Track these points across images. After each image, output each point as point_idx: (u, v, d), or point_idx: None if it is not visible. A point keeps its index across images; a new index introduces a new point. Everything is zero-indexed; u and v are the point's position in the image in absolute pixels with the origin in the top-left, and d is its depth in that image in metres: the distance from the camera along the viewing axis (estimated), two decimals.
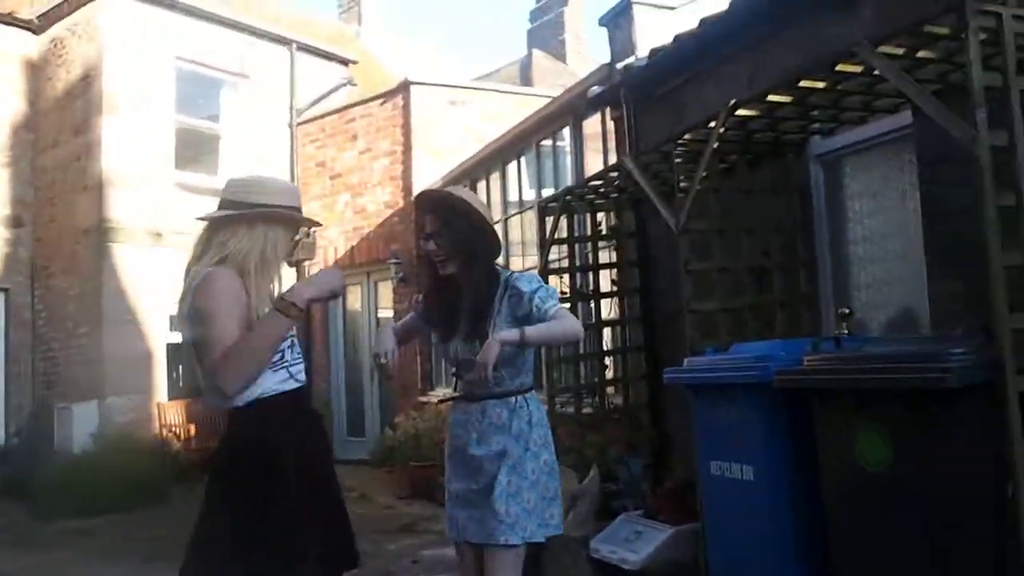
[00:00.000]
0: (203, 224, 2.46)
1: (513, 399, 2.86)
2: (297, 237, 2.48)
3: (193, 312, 2.29)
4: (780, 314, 4.34)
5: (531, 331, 2.72)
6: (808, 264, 4.46)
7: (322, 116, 11.85)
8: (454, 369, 2.96)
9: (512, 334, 2.70)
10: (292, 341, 2.41)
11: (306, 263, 2.92)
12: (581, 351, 5.80)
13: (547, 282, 5.49)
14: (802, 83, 3.54)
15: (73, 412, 9.72)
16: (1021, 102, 2.67)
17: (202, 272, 2.31)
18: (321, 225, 10.54)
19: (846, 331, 3.79)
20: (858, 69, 3.31)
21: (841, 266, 4.48)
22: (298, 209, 2.48)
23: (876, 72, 3.15)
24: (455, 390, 3.00)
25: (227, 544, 2.22)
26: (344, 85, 12.70)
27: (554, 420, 5.44)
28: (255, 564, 2.21)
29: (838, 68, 3.34)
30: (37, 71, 11.16)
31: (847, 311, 3.87)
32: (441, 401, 8.86)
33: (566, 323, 2.83)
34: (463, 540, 2.87)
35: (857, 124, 4.18)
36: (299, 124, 11.92)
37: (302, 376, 2.44)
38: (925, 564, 2.63)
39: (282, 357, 2.35)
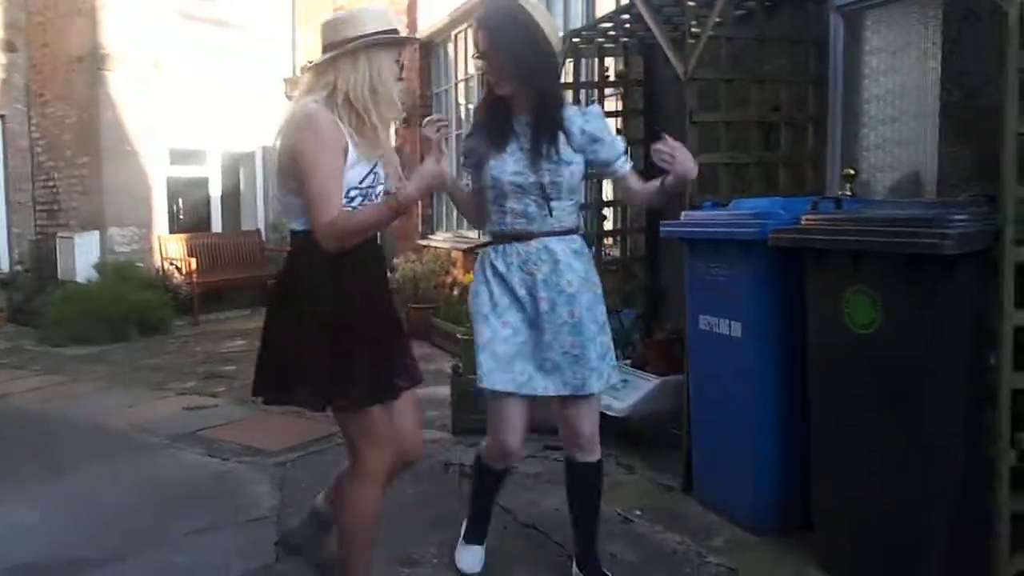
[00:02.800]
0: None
1: (573, 238, 2.75)
2: (399, 60, 2.51)
3: (289, 151, 2.36)
4: (785, 172, 4.24)
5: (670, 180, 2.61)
6: (818, 121, 4.31)
7: None
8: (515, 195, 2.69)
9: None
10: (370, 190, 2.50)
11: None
12: (581, 201, 5.71)
13: None
14: None
15: (75, 242, 9.76)
16: None
17: (303, 108, 2.36)
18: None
19: (849, 192, 3.72)
20: None
21: (852, 125, 4.34)
22: (395, 31, 2.50)
23: None
24: (499, 226, 2.73)
25: (297, 367, 2.43)
26: None
27: None
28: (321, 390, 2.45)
29: None
30: None
31: (851, 172, 3.78)
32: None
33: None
34: (523, 393, 2.64)
35: None
36: None
37: None
38: (894, 420, 2.67)
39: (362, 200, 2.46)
